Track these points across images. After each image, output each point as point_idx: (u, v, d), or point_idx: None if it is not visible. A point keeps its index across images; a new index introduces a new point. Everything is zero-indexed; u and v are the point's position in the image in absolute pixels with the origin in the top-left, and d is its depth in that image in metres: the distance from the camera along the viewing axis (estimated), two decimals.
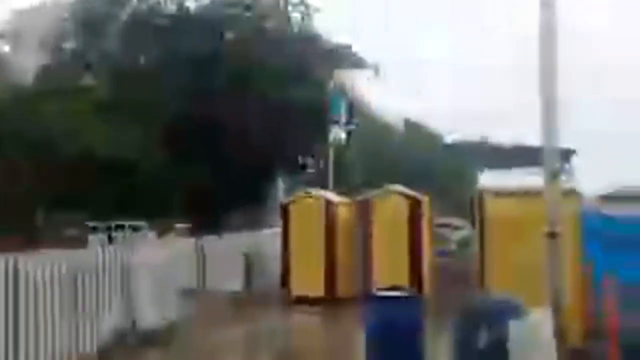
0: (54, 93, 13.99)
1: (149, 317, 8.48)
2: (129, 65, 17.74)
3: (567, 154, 25.69)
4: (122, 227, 17.44)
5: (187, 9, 17.79)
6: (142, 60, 17.99)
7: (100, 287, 7.77)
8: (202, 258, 10.20)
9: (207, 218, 15.57)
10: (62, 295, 6.98)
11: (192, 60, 16.51)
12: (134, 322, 8.09)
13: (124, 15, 17.57)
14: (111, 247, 8.40)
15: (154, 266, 8.87)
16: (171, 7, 17.83)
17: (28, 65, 16.65)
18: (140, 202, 13.83)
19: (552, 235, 4.86)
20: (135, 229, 20.32)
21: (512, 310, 4.81)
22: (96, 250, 7.89)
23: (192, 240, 10.27)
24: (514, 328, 4.60)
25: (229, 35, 17.77)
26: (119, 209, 14.35)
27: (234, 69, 16.85)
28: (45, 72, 16.52)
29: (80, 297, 7.28)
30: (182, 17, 17.37)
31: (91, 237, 17.42)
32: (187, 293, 9.61)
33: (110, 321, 7.76)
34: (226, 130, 16.32)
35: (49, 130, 12.85)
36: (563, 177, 7.25)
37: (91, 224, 18.21)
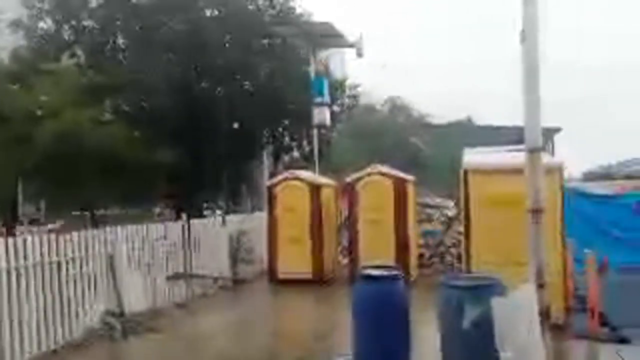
0: (29, 74, 13.61)
1: (136, 302, 8.45)
2: (107, 47, 17.37)
3: (550, 132, 25.91)
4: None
5: None
6: (119, 40, 17.58)
7: (86, 273, 7.70)
8: (188, 243, 10.14)
9: (190, 201, 15.46)
10: (45, 281, 6.91)
11: (171, 39, 16.20)
12: (121, 309, 8.04)
13: None
14: (97, 232, 8.28)
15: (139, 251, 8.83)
16: None
17: (2, 46, 16.25)
18: (121, 186, 13.63)
19: (536, 211, 4.89)
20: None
21: (495, 287, 4.87)
22: (82, 235, 7.77)
23: (177, 224, 10.19)
24: (498, 305, 4.64)
25: (209, 14, 17.43)
26: (98, 195, 14.13)
27: (215, 48, 16.54)
28: (19, 53, 16.11)
29: (64, 282, 7.21)
30: None
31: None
32: (174, 278, 9.58)
33: (97, 307, 7.71)
34: (208, 111, 16.11)
35: (25, 112, 12.56)
36: (546, 154, 7.27)
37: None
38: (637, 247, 9.00)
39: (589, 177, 16.00)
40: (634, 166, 13.95)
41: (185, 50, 16.04)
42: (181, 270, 9.82)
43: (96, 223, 14.37)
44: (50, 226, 17.27)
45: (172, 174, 14.76)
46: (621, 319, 6.92)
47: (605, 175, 14.23)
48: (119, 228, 8.66)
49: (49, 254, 7.03)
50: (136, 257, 8.78)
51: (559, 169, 7.32)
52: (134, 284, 8.46)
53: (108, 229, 8.54)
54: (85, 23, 17.53)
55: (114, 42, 17.68)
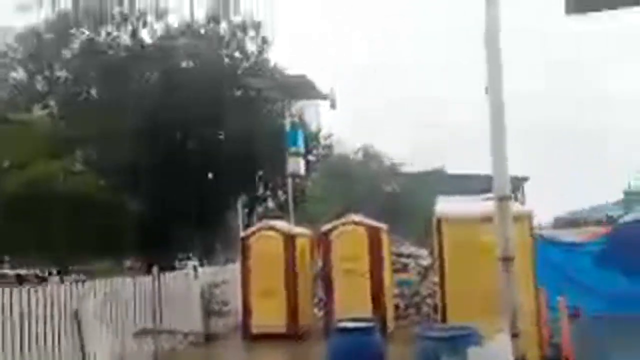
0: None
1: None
2: (81, 98, 17.37)
3: (520, 181, 26.53)
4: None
5: (142, 40, 17.60)
6: (94, 92, 17.61)
7: (49, 331, 7.38)
8: (158, 297, 9.84)
9: (162, 255, 15.09)
10: (6, 339, 6.58)
11: (146, 92, 16.29)
12: None
13: (75, 45, 17.26)
14: (62, 287, 7.98)
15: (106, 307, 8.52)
16: (125, 38, 17.58)
17: None
18: (91, 241, 13.24)
19: (506, 259, 4.93)
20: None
21: (471, 338, 4.83)
22: (47, 290, 7.49)
23: (147, 278, 9.90)
24: (474, 356, 4.60)
25: (185, 66, 17.66)
26: (69, 250, 13.67)
27: (189, 99, 16.70)
28: None
29: (26, 340, 6.87)
30: (136, 49, 17.14)
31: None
32: (142, 333, 9.21)
33: None
34: (182, 162, 16.05)
35: None
36: (515, 203, 7.42)
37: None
38: (602, 294, 9.04)
39: (558, 223, 16.34)
40: (603, 212, 14.29)
41: (159, 100, 16.12)
42: (150, 325, 9.46)
43: (62, 278, 13.89)
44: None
45: (143, 225, 14.47)
46: None
47: (572, 221, 14.54)
48: (85, 283, 8.39)
49: (10, 310, 6.73)
50: (103, 313, 8.45)
51: (528, 216, 7.45)
52: (99, 340, 8.10)
53: (74, 283, 8.25)
54: (58, 74, 17.56)
55: (87, 92, 17.69)
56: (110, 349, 8.39)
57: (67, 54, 17.56)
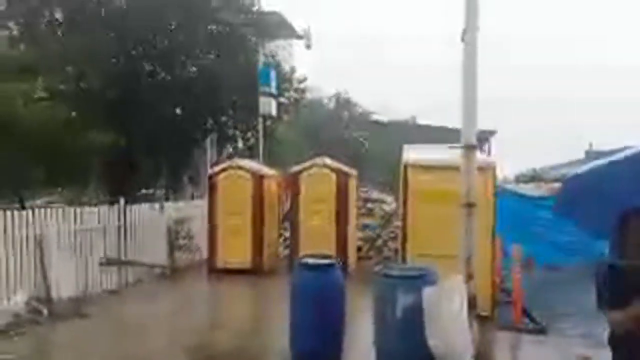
0: None
1: (66, 288, 8.14)
2: (43, 19, 16.42)
3: (487, 135, 27.03)
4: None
5: None
6: (59, 15, 16.67)
7: (11, 256, 7.36)
8: (123, 229, 9.84)
9: (129, 189, 14.92)
10: None
11: (115, 16, 15.53)
12: (48, 294, 7.73)
13: None
14: (25, 213, 7.89)
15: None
16: None
17: None
18: (55, 172, 12.87)
19: (468, 205, 5.10)
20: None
21: (427, 277, 5.06)
22: (8, 215, 7.39)
23: (113, 209, 9.85)
24: (428, 294, 4.83)
25: None
26: (31, 180, 13.27)
27: (159, 30, 16.00)
28: None
29: None
30: None
31: None
32: (107, 264, 9.28)
33: (22, 292, 7.37)
34: (150, 94, 15.60)
35: None
36: (481, 154, 7.61)
37: None
38: (559, 246, 9.56)
39: (520, 179, 16.89)
40: (561, 169, 14.78)
41: (128, 29, 15.43)
42: (115, 256, 9.52)
43: (23, 206, 13.61)
44: None
45: (109, 157, 14.19)
46: (541, 311, 7.38)
47: (532, 177, 15.04)
48: (49, 210, 8.31)
49: None
50: (67, 242, 8.44)
51: (492, 167, 7.66)
52: (63, 268, 8.14)
53: (37, 210, 8.16)
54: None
55: (51, 13, 16.71)
56: (74, 277, 8.45)
57: None
